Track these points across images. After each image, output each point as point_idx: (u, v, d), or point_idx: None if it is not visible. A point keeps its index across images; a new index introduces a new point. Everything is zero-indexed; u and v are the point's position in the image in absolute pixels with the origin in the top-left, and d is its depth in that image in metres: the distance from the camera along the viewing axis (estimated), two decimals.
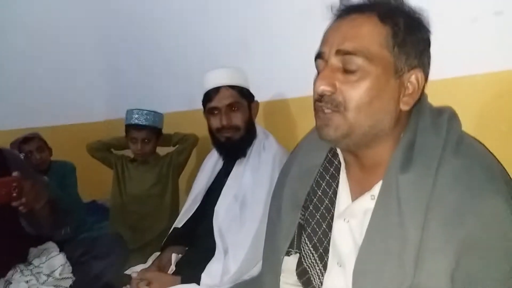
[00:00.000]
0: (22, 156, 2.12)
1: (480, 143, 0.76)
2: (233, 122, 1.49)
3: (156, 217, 2.01)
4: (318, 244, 0.83)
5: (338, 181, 0.84)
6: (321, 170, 0.87)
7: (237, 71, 1.55)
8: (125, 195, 2.08)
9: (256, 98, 1.60)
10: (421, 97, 0.77)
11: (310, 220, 0.85)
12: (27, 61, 2.87)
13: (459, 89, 1.18)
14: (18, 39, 2.84)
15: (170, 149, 2.18)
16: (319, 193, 0.85)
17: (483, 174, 0.68)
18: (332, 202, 0.83)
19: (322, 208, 0.84)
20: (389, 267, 0.69)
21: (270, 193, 1.38)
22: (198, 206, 1.60)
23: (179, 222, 1.61)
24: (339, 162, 0.85)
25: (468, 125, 0.79)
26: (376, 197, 0.74)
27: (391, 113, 0.74)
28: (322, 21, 1.65)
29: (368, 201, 0.76)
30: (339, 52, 0.73)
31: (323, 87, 0.72)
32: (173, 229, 1.62)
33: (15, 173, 1.22)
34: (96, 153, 2.16)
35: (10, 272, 1.42)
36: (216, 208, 1.46)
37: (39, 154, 2.27)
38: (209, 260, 1.35)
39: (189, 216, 1.60)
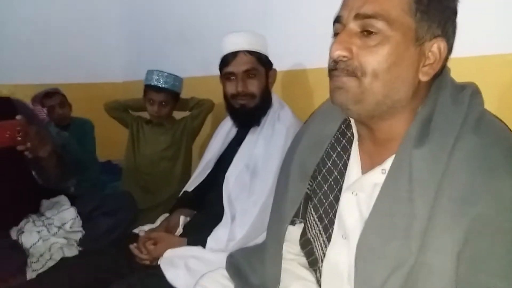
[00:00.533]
0: (44, 110, 2.14)
1: (502, 122, 0.72)
2: (249, 89, 1.45)
3: (167, 180, 2.02)
4: (323, 215, 0.82)
5: (349, 154, 0.82)
6: (333, 141, 0.85)
7: (257, 36, 1.50)
8: (138, 155, 2.09)
9: (274, 67, 1.56)
10: (443, 71, 0.73)
11: (318, 191, 0.84)
12: (50, 19, 2.87)
13: (490, 67, 1.12)
14: None
15: (186, 113, 2.17)
16: (329, 164, 0.83)
17: (501, 153, 0.64)
18: (342, 174, 0.81)
19: (330, 179, 0.82)
20: (394, 242, 0.67)
21: None
22: (210, 172, 1.60)
23: (190, 186, 1.62)
24: (352, 135, 0.83)
25: (494, 105, 0.75)
26: (387, 171, 0.72)
27: (409, 82, 0.70)
28: None
29: (378, 175, 0.73)
30: (358, 16, 0.69)
31: (339, 52, 0.69)
32: (183, 193, 1.63)
33: (18, 117, 1.22)
34: (113, 112, 2.17)
35: (23, 222, 1.47)
36: (227, 175, 1.46)
37: (61, 109, 2.30)
38: (216, 225, 1.36)
39: (200, 181, 1.61)
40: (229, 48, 1.46)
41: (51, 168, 1.44)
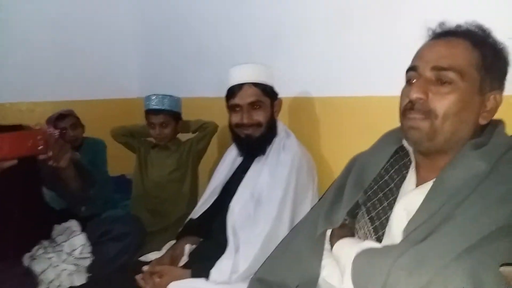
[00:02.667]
0: (57, 132, 2.18)
1: None
2: (254, 119, 1.48)
3: (175, 203, 2.04)
4: (375, 217, 0.93)
5: (406, 172, 0.94)
6: (392, 161, 0.99)
7: (262, 68, 1.52)
8: (146, 179, 2.11)
9: (282, 93, 1.58)
10: (498, 121, 0.89)
11: (372, 197, 0.96)
12: (65, 36, 2.92)
13: None
14: (57, 13, 2.89)
15: (192, 135, 2.19)
16: (386, 178, 0.96)
17: None
18: (398, 187, 0.93)
19: (386, 189, 0.95)
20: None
21: (286, 195, 1.40)
22: (215, 200, 1.62)
23: (195, 214, 1.64)
24: (409, 160, 0.95)
25: None
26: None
27: (471, 124, 0.85)
28: (357, 23, 1.59)
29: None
30: (435, 68, 0.84)
31: (418, 95, 0.83)
32: (188, 220, 1.65)
33: (38, 126, 1.24)
34: (119, 138, 2.20)
35: (35, 248, 1.50)
36: (232, 204, 1.47)
37: (73, 131, 2.32)
38: (221, 255, 1.37)
39: (206, 208, 1.63)
40: (235, 80, 1.48)
41: (72, 179, 1.45)
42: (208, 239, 1.54)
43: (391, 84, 1.34)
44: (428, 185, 0.85)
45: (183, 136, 2.20)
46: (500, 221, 0.72)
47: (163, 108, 2.01)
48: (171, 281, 1.30)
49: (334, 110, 1.63)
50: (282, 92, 1.59)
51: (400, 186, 0.93)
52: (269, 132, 1.52)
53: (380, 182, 0.96)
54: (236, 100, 1.47)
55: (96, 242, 1.59)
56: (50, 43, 2.87)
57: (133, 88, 3.24)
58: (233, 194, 1.51)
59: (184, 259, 1.48)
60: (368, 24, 1.49)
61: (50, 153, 1.23)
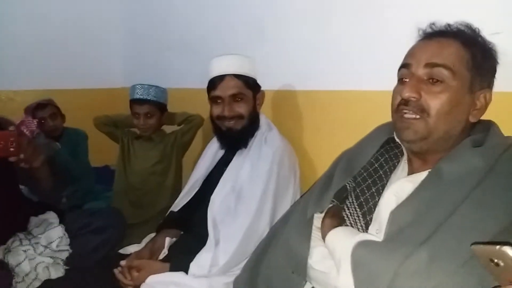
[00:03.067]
0: (35, 122, 2.13)
1: None
2: (236, 111, 1.46)
3: (158, 195, 2.02)
4: (364, 203, 0.95)
5: (395, 163, 0.97)
6: (382, 151, 1.01)
7: (244, 59, 1.49)
8: (129, 171, 2.08)
9: (265, 86, 1.56)
10: (488, 120, 0.91)
11: (362, 183, 0.98)
12: (49, 24, 2.86)
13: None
14: (41, 2, 2.83)
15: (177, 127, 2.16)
16: (376, 165, 0.99)
17: None
18: (386, 174, 0.96)
19: (375, 176, 0.97)
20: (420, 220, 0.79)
21: (267, 188, 1.39)
22: (196, 192, 1.61)
23: (176, 206, 1.63)
24: (400, 152, 0.98)
25: None
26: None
27: (462, 122, 0.87)
28: (340, 15, 1.58)
29: (422, 176, 0.86)
30: (428, 65, 0.85)
31: (410, 94, 0.85)
32: (169, 213, 1.63)
33: (11, 128, 1.21)
34: (102, 127, 2.16)
35: (10, 240, 1.46)
36: (212, 197, 1.46)
37: (52, 121, 2.28)
38: (201, 248, 1.35)
39: (187, 201, 1.61)
40: (216, 71, 1.46)
41: (45, 179, 1.43)
42: (189, 232, 1.53)
43: (375, 79, 1.34)
44: (420, 175, 0.87)
45: (168, 128, 2.17)
46: (504, 222, 0.72)
47: (148, 98, 1.97)
48: (149, 275, 1.29)
49: (317, 103, 1.62)
50: (265, 84, 1.57)
51: (390, 174, 0.95)
52: (251, 125, 1.50)
53: (370, 169, 0.98)
54: (218, 92, 1.45)
55: (75, 235, 1.56)
56: (31, 30, 2.79)
57: (117, 78, 3.19)
58: (214, 187, 1.49)
59: (164, 252, 1.46)
60: (351, 18, 1.47)
61: (22, 156, 1.20)
